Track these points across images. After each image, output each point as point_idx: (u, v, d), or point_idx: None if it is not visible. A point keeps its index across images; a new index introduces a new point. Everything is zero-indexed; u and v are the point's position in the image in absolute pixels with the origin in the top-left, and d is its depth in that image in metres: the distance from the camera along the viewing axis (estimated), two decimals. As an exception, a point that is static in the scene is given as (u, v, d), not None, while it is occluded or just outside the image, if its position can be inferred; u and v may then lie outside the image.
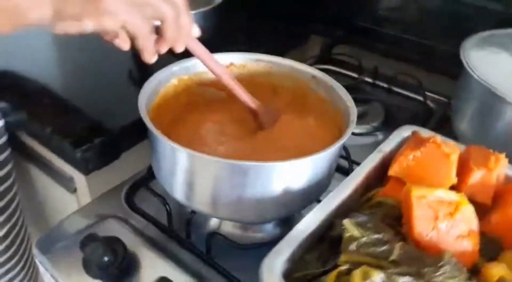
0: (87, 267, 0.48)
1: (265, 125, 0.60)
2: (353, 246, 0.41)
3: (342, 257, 0.40)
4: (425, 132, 0.57)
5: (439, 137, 0.50)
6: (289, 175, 0.49)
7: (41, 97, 0.75)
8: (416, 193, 0.43)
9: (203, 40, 0.52)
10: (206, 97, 0.63)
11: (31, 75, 0.81)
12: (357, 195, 0.51)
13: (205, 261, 0.54)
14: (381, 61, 0.96)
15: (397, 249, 0.40)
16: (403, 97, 0.90)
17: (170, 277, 0.48)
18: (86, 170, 0.66)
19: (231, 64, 0.64)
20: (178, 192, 0.52)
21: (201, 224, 0.59)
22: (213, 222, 0.60)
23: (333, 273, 0.39)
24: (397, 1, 0.97)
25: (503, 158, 0.51)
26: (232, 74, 0.58)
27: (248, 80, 0.64)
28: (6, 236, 0.76)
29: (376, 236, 0.42)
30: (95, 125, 0.68)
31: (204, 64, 0.54)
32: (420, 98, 0.86)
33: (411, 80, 0.88)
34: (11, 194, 0.77)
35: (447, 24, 0.89)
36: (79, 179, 0.70)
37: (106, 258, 0.46)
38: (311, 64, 0.97)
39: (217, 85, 0.60)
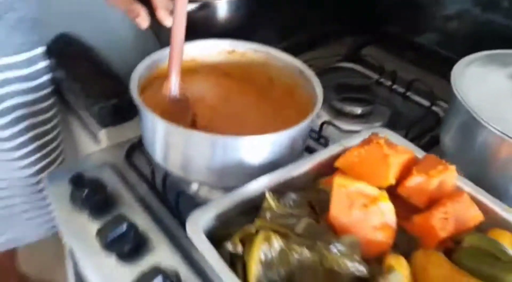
0: (73, 199, 0.59)
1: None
2: (267, 215, 0.47)
3: (257, 222, 0.47)
4: (396, 138, 0.61)
5: (384, 140, 0.53)
6: (251, 149, 0.56)
7: (83, 59, 0.88)
8: (338, 181, 0.49)
9: (233, 28, 0.59)
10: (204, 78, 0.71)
11: (83, 39, 0.95)
12: (307, 177, 0.56)
13: (174, 214, 0.63)
14: (405, 67, 0.98)
15: (302, 224, 0.46)
16: (415, 103, 0.91)
17: (138, 223, 0.58)
18: (102, 123, 0.78)
19: (233, 50, 0.71)
20: (157, 155, 0.61)
21: (183, 187, 0.67)
22: (194, 185, 0.69)
23: (239, 233, 0.46)
24: (432, 14, 0.97)
25: (451, 169, 0.53)
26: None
27: (247, 68, 0.70)
28: (42, 170, 0.92)
29: (289, 211, 0.48)
30: (118, 90, 0.80)
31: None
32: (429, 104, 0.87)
33: (424, 87, 0.89)
34: (54, 133, 0.92)
35: (475, 42, 0.89)
36: (99, 131, 0.82)
37: (86, 191, 0.57)
38: (337, 61, 1.02)
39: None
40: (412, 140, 0.75)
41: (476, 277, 0.44)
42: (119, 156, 0.71)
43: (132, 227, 0.55)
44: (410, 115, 0.87)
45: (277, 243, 0.44)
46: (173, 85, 0.61)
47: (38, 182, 0.92)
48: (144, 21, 0.62)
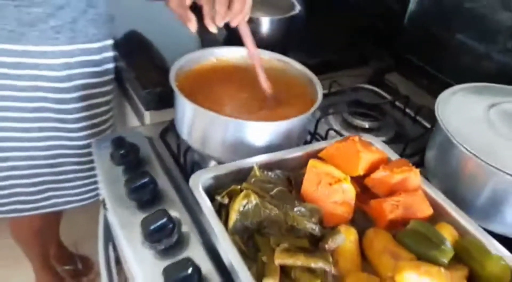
0: (112, 156, 0.75)
1: (267, 107, 0.80)
2: (252, 180, 0.60)
3: (243, 184, 0.60)
4: (379, 144, 0.72)
5: (358, 139, 0.65)
6: (256, 133, 0.70)
7: (143, 53, 1.07)
8: (312, 163, 0.61)
9: (272, 42, 0.75)
10: (230, 76, 0.85)
11: (145, 35, 1.13)
12: (295, 162, 0.68)
13: (187, 179, 0.77)
14: (420, 94, 1.08)
15: (276, 190, 0.59)
16: (421, 126, 1.00)
17: (159, 181, 0.72)
18: (147, 107, 0.95)
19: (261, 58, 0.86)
20: (183, 132, 0.76)
21: (200, 163, 0.82)
22: (211, 163, 0.83)
23: (228, 189, 0.59)
24: (448, 49, 1.07)
25: (415, 171, 0.64)
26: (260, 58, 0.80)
27: (268, 71, 0.85)
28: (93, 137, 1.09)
29: (270, 180, 0.60)
30: (164, 80, 0.96)
31: (245, 42, 0.77)
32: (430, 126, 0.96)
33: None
34: (108, 112, 1.10)
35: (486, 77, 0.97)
36: (144, 113, 0.99)
37: (122, 151, 0.73)
38: (361, 82, 1.14)
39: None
40: (408, 155, 0.86)
41: (413, 253, 0.54)
42: (155, 132, 0.87)
43: (153, 181, 0.69)
44: (413, 135, 0.96)
45: (254, 200, 0.57)
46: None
47: (87, 147, 1.07)
48: (193, 26, 0.79)
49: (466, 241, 0.57)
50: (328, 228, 0.58)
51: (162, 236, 0.59)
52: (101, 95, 1.06)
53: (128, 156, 0.74)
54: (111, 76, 1.06)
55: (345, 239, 0.55)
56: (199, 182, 0.61)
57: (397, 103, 1.07)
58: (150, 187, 0.69)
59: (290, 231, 0.56)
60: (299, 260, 0.51)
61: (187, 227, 0.64)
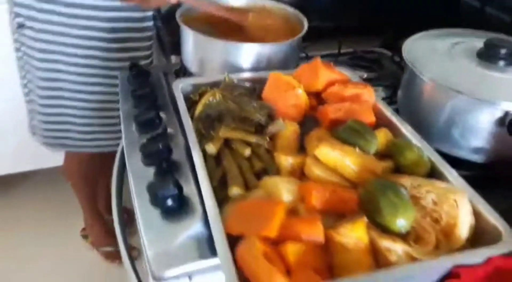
0: (129, 81, 0.92)
1: (241, 22, 0.91)
2: (222, 85, 0.73)
3: (214, 88, 0.73)
4: (352, 75, 0.81)
5: (319, 60, 0.75)
6: (248, 54, 0.82)
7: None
8: (274, 74, 0.73)
9: None
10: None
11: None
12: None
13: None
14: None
15: (238, 92, 0.71)
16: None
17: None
18: (172, 52, 1.11)
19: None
20: (186, 59, 0.91)
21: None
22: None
23: (201, 90, 0.73)
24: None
25: (369, 88, 0.73)
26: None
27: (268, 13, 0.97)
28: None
29: (236, 85, 0.73)
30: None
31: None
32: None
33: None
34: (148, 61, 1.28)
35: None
36: (170, 56, 1.15)
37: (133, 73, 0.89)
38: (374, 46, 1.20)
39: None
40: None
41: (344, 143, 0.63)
42: (171, 69, 1.02)
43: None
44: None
45: (218, 97, 0.70)
46: None
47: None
48: None
49: (395, 140, 0.65)
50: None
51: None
52: (141, 49, 1.23)
53: (139, 81, 0.89)
54: (150, 33, 1.23)
55: (285, 127, 0.65)
56: (179, 85, 0.74)
57: (395, 58, 1.12)
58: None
59: (243, 121, 0.67)
60: (239, 135, 0.63)
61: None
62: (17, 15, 1.07)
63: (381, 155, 0.64)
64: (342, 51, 1.14)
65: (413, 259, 0.48)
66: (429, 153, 0.62)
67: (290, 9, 0.95)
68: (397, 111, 0.78)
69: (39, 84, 1.16)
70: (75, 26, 1.08)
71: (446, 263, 0.48)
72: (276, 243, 0.48)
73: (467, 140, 0.71)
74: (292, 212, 0.54)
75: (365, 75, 1.04)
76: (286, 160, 0.59)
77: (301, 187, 0.55)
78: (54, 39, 1.08)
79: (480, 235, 0.53)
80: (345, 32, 1.18)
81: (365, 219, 0.50)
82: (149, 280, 0.59)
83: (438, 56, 0.78)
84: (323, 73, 0.73)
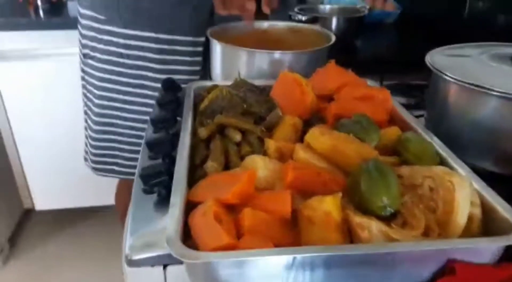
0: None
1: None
2: (233, 85, 0.73)
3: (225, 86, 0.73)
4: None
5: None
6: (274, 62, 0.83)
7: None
8: (284, 73, 0.71)
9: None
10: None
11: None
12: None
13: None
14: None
15: (245, 88, 0.70)
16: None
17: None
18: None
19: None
20: (213, 72, 0.93)
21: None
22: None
23: (211, 88, 0.73)
24: None
25: (383, 91, 0.68)
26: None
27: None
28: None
29: (246, 84, 0.72)
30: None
31: None
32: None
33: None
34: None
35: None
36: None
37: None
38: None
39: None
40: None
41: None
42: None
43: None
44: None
45: (225, 92, 0.69)
46: None
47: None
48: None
49: (403, 135, 0.58)
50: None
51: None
52: (188, 82, 1.28)
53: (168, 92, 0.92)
54: (197, 68, 1.28)
55: (280, 116, 0.62)
56: (193, 86, 0.76)
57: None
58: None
59: (244, 114, 0.66)
60: (232, 121, 0.61)
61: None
62: (84, 46, 1.17)
63: (391, 154, 0.58)
64: (386, 83, 1.10)
65: (392, 240, 0.41)
66: (439, 147, 0.55)
67: (318, 28, 0.96)
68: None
69: (95, 111, 1.22)
70: (129, 56, 1.14)
71: (433, 248, 0.40)
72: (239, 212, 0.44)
73: (494, 148, 0.62)
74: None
75: (400, 100, 0.98)
76: (274, 144, 0.56)
77: (282, 167, 0.51)
78: (111, 68, 1.15)
79: (492, 229, 0.44)
80: (390, 65, 1.15)
81: (339, 195, 0.44)
82: (123, 266, 0.56)
83: (465, 61, 0.71)
84: (336, 75, 0.71)
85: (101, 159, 1.30)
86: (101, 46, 1.12)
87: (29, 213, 2.01)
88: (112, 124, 1.23)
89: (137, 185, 0.62)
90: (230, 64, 0.87)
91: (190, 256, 0.37)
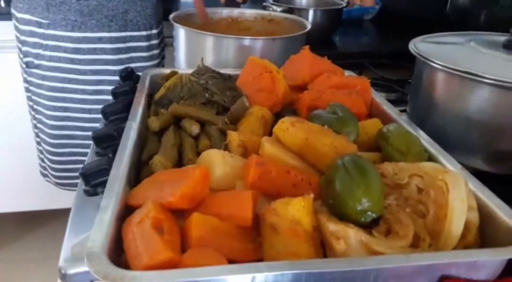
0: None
1: None
2: (196, 71, 0.64)
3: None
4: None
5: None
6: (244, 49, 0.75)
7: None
8: (253, 58, 0.63)
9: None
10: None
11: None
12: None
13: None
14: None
15: (208, 75, 0.61)
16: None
17: None
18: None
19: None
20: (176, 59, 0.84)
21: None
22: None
23: (166, 75, 0.65)
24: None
25: (363, 80, 0.61)
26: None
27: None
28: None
29: (209, 70, 0.64)
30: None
31: None
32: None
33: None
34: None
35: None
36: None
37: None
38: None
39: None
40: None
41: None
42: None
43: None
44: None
45: (184, 80, 0.61)
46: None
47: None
48: None
49: (384, 127, 0.51)
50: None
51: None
52: None
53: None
54: (156, 61, 1.18)
55: (247, 106, 0.54)
56: (149, 74, 0.67)
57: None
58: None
59: (205, 104, 0.57)
60: (190, 111, 0.53)
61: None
62: (26, 54, 1.04)
63: (371, 149, 0.51)
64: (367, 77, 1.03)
65: (374, 253, 0.33)
66: (426, 142, 0.48)
67: (293, 17, 0.88)
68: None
69: (48, 123, 1.09)
70: (81, 61, 1.03)
71: (424, 263, 0.32)
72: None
73: (488, 145, 0.55)
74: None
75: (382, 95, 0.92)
76: (237, 138, 0.47)
77: (245, 163, 0.43)
78: (61, 75, 1.03)
79: (491, 238, 0.37)
80: (372, 60, 1.08)
81: (310, 197, 0.36)
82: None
83: (453, 48, 0.64)
84: (311, 63, 0.63)
85: (64, 174, 1.18)
86: (47, 52, 1.00)
87: (-10, 215, 1.87)
88: (71, 136, 1.11)
89: (80, 185, 0.53)
90: (195, 51, 0.78)
91: (114, 277, 0.28)
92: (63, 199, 1.75)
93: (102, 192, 0.50)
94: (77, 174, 1.20)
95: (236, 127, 0.53)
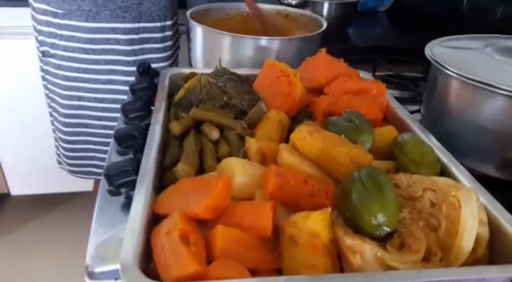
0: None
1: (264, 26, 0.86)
2: (215, 72, 0.66)
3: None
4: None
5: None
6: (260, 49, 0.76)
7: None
8: (270, 61, 0.64)
9: None
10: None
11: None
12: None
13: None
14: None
15: (226, 77, 0.63)
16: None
17: None
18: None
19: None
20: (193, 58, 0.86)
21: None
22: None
23: (185, 76, 0.66)
24: None
25: (379, 85, 0.62)
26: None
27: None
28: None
29: (228, 72, 0.65)
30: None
31: None
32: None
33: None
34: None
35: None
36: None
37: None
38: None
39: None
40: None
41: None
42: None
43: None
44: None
45: (203, 81, 0.62)
46: None
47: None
48: None
49: (400, 136, 0.52)
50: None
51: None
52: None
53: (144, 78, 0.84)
54: (169, 53, 1.16)
55: (265, 111, 0.55)
56: (168, 74, 0.69)
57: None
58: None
59: (224, 107, 0.59)
60: (209, 116, 0.54)
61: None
62: (42, 44, 1.05)
63: (385, 158, 0.52)
64: (379, 74, 1.03)
65: (388, 268, 0.35)
66: (439, 151, 0.49)
67: (309, 13, 0.88)
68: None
69: (62, 112, 1.12)
70: (95, 51, 1.04)
71: (436, 279, 0.34)
72: (211, 227, 0.38)
73: (500, 153, 0.56)
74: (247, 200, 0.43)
75: (394, 93, 0.92)
76: (256, 144, 0.49)
77: (264, 172, 0.44)
78: (76, 65, 1.04)
79: (500, 251, 0.39)
80: (386, 55, 1.08)
81: (328, 211, 0.38)
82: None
83: (469, 54, 0.65)
84: (327, 66, 0.64)
85: (77, 162, 1.20)
86: (62, 42, 1.01)
87: (4, 198, 1.92)
88: (84, 125, 1.13)
89: (103, 185, 0.55)
90: (212, 49, 0.79)
91: (147, 288, 0.31)
92: (75, 183, 1.80)
93: (125, 192, 0.53)
94: (89, 162, 1.24)
95: (253, 132, 0.55)
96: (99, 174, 1.22)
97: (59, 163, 1.27)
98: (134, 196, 0.41)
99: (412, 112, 0.80)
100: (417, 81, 0.97)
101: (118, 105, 1.08)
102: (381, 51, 1.12)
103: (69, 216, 1.89)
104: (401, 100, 0.89)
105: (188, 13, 0.84)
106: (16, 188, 1.85)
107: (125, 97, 1.08)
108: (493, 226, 0.40)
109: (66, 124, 1.13)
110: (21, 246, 1.75)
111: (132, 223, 0.37)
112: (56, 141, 1.22)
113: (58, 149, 1.24)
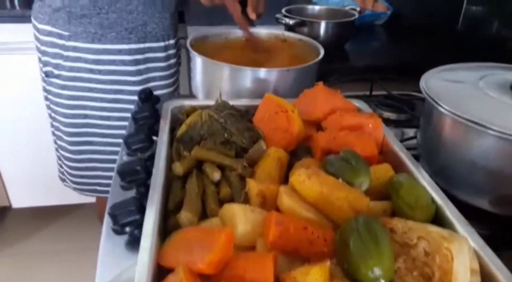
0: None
1: (257, 49, 0.87)
2: (215, 107, 0.67)
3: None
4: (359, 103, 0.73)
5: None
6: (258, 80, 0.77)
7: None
8: (269, 96, 0.65)
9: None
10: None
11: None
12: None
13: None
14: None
15: (226, 112, 0.64)
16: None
17: None
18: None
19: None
20: (194, 86, 0.87)
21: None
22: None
23: (191, 110, 0.68)
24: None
25: (375, 119, 0.64)
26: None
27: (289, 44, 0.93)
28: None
29: (228, 106, 0.66)
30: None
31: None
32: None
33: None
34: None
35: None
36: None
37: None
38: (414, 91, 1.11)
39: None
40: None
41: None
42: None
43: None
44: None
45: (204, 117, 0.64)
46: None
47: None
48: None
49: (393, 176, 0.54)
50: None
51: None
52: (167, 87, 1.17)
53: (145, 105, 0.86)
54: (172, 70, 1.17)
55: (264, 149, 0.57)
56: (170, 106, 0.70)
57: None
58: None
59: (224, 144, 0.60)
60: (211, 156, 0.56)
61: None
62: (45, 64, 1.06)
63: (381, 197, 0.54)
64: (376, 93, 1.05)
65: (383, 322, 0.37)
66: (433, 191, 0.51)
67: (306, 38, 0.90)
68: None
69: (66, 131, 1.12)
70: (101, 71, 1.05)
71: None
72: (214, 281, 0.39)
73: (493, 189, 0.58)
74: (250, 248, 0.45)
75: (390, 116, 0.94)
76: (256, 187, 0.51)
77: (265, 219, 0.46)
78: (81, 85, 1.05)
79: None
80: (383, 74, 1.10)
81: (327, 264, 0.39)
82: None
83: (462, 89, 0.66)
84: (324, 100, 0.66)
85: (81, 180, 1.22)
86: (67, 63, 1.02)
87: (5, 210, 1.94)
88: (89, 143, 1.14)
89: (107, 223, 0.57)
90: (211, 78, 0.81)
91: None
92: (76, 195, 1.81)
93: (130, 231, 0.55)
94: (94, 180, 1.24)
95: (253, 170, 0.57)
96: (102, 192, 1.24)
97: (63, 180, 1.28)
98: (141, 245, 0.42)
99: (408, 139, 0.82)
100: (413, 103, 0.98)
101: (124, 123, 1.12)
102: (378, 69, 1.15)
103: (71, 228, 1.91)
104: (398, 124, 0.92)
105: (188, 41, 0.85)
106: (18, 201, 1.87)
107: (129, 115, 1.10)
108: (484, 272, 0.42)
109: (71, 143, 1.14)
110: (23, 258, 1.77)
111: (139, 277, 0.38)
112: (60, 159, 1.23)
113: (61, 167, 1.25)
